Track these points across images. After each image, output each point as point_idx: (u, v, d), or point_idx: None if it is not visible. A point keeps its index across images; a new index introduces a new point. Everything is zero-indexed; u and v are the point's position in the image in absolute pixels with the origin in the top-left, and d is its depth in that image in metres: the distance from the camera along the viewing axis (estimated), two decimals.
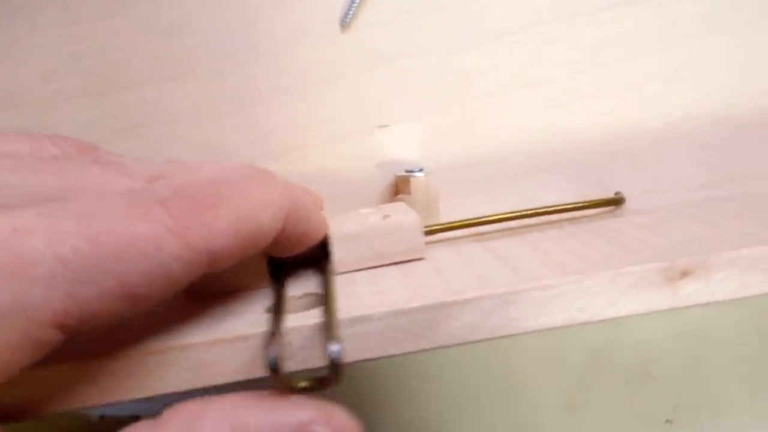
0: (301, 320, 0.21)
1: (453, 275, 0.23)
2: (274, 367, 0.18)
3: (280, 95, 0.30)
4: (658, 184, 0.32)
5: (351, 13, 0.29)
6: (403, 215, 0.26)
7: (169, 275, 0.18)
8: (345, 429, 0.17)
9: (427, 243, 0.29)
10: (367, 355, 0.21)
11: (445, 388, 0.37)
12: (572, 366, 0.37)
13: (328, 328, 0.19)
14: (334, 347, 0.18)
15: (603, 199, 0.29)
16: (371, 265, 0.26)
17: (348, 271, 0.26)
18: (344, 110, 0.31)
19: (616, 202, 0.30)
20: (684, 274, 0.22)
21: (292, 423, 0.17)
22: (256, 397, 0.18)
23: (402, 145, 0.31)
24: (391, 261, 0.26)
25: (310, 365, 0.21)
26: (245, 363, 0.21)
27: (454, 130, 0.31)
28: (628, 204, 0.31)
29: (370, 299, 0.22)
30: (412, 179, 0.30)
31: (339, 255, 0.25)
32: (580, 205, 0.29)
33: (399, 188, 0.31)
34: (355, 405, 0.35)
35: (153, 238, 0.17)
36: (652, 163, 0.32)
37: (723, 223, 0.25)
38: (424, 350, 0.21)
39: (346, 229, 0.25)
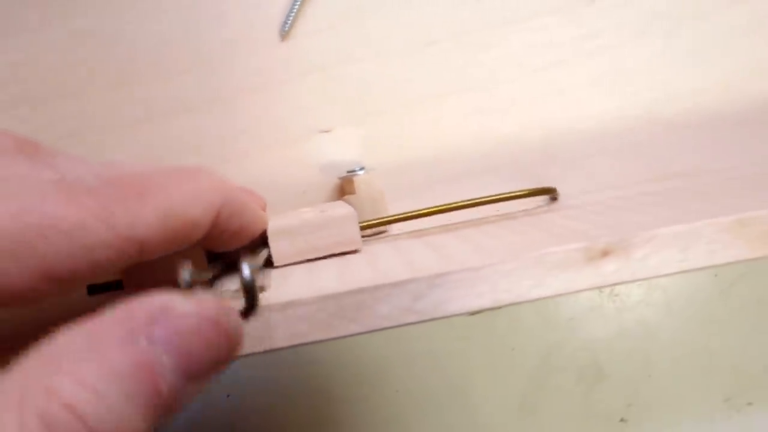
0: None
1: (385, 264, 0.24)
2: (188, 285, 0.18)
3: (221, 103, 0.31)
4: (593, 183, 0.33)
5: (289, 22, 0.30)
6: (339, 209, 0.26)
7: (93, 259, 0.18)
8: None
9: (367, 239, 0.30)
10: (299, 340, 0.21)
11: (399, 392, 0.37)
12: (524, 367, 0.37)
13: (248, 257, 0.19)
14: (245, 270, 0.18)
15: (536, 189, 0.30)
16: (308, 257, 0.26)
17: (286, 264, 0.26)
18: (286, 116, 0.32)
19: (548, 191, 0.31)
20: (605, 253, 0.22)
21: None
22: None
23: (344, 148, 0.32)
24: (327, 253, 0.26)
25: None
26: None
27: (393, 134, 0.32)
28: (564, 203, 0.32)
29: (302, 286, 0.22)
30: (355, 178, 0.31)
31: (275, 248, 0.26)
32: (514, 194, 0.29)
33: (344, 189, 0.32)
34: (311, 408, 0.35)
35: (77, 222, 0.18)
36: (586, 163, 0.33)
37: (648, 211, 0.26)
38: (356, 334, 0.22)
39: (282, 224, 0.26)
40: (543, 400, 0.37)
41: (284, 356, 0.35)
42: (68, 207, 0.18)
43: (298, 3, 0.30)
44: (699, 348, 0.38)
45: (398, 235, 0.29)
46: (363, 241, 0.30)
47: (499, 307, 0.23)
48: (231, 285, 0.25)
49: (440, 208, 0.28)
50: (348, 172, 0.31)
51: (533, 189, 0.30)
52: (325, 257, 0.26)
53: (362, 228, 0.28)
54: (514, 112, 0.33)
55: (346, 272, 0.23)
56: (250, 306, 0.19)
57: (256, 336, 0.21)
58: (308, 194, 0.32)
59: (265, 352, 0.22)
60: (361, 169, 0.31)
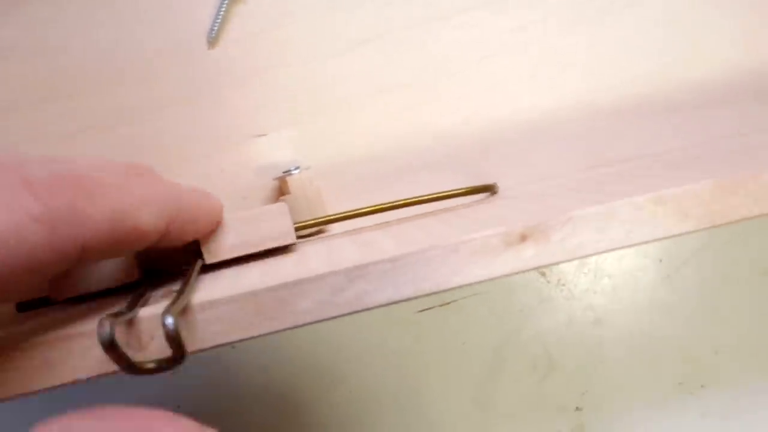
0: (152, 309, 0.21)
1: (312, 261, 0.24)
2: (107, 344, 0.18)
3: (153, 111, 0.31)
4: (532, 174, 0.34)
5: (215, 29, 0.30)
6: (271, 205, 0.26)
7: (34, 262, 0.17)
8: None
9: (303, 240, 0.30)
10: (220, 340, 0.21)
11: (352, 392, 0.37)
12: (476, 360, 0.37)
13: (171, 303, 0.19)
14: (168, 320, 0.18)
15: (474, 187, 0.30)
16: (242, 253, 0.26)
17: (218, 261, 0.26)
18: (221, 123, 0.32)
19: (487, 188, 0.31)
20: (523, 237, 0.23)
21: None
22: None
23: (280, 151, 0.32)
24: (261, 248, 0.26)
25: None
26: (96, 360, 0.21)
27: (330, 134, 0.32)
28: (503, 194, 0.32)
29: (224, 287, 0.22)
30: (289, 178, 0.31)
31: (207, 246, 0.26)
32: (453, 193, 0.30)
33: (282, 191, 0.32)
34: (264, 412, 0.35)
35: (15, 228, 0.17)
36: (525, 155, 0.34)
37: (576, 196, 0.26)
38: (278, 331, 0.22)
39: None
40: (497, 392, 0.38)
41: (234, 362, 0.35)
42: (5, 213, 0.17)
43: (223, 9, 0.30)
44: (648, 333, 0.38)
45: (334, 234, 0.30)
46: (299, 242, 0.30)
47: (420, 297, 0.23)
48: (158, 291, 0.25)
49: (376, 207, 0.29)
50: (283, 172, 0.31)
51: (472, 187, 0.30)
52: (259, 254, 0.26)
53: (297, 228, 0.28)
54: (451, 108, 0.33)
55: (271, 271, 0.23)
56: (178, 355, 0.19)
57: None
58: (249, 200, 0.32)
59: (190, 353, 0.22)
60: (296, 168, 0.31)
